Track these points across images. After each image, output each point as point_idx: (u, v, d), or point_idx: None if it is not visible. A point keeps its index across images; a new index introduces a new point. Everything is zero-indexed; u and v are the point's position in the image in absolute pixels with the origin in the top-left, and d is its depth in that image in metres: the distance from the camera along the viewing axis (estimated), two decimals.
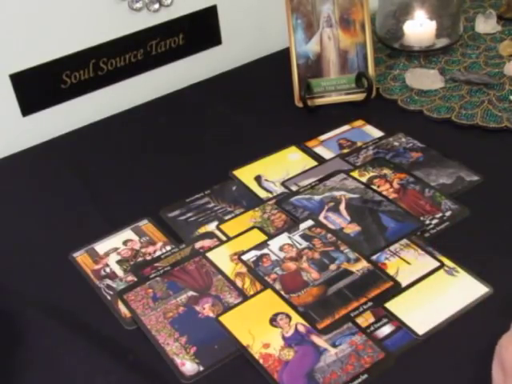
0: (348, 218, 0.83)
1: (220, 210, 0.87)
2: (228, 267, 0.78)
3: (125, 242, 0.83)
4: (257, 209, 0.86)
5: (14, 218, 0.90)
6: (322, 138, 0.99)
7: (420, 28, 1.13)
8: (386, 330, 0.68)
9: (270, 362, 0.66)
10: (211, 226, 0.84)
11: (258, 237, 0.81)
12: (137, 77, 1.12)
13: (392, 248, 0.78)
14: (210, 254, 0.80)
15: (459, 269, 0.74)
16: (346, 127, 1.01)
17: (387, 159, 0.92)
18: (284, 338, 0.68)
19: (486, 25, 1.20)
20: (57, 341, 0.71)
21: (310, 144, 0.98)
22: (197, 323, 0.71)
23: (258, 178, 0.92)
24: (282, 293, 0.73)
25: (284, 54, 1.08)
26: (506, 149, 0.93)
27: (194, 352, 0.68)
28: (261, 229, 0.83)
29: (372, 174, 0.90)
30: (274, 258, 0.78)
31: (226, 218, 0.85)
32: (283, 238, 0.81)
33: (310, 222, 0.83)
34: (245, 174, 0.93)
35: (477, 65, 1.11)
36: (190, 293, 0.75)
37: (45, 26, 1.00)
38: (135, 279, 0.77)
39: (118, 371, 0.67)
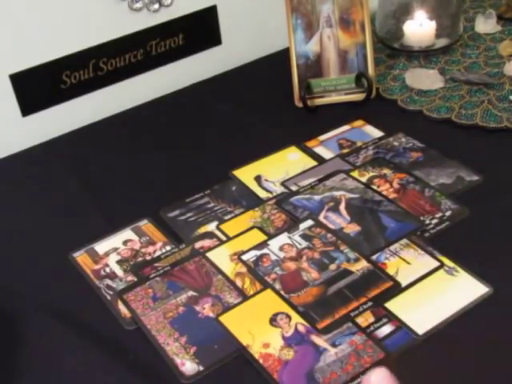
0: (348, 218, 0.83)
1: (220, 210, 0.87)
2: (228, 267, 0.78)
3: (125, 242, 0.83)
4: (257, 209, 0.86)
5: (14, 217, 0.90)
6: (322, 137, 0.99)
7: (420, 28, 1.13)
8: (385, 329, 0.68)
9: (270, 361, 0.66)
10: (211, 226, 0.84)
11: (257, 237, 0.81)
12: (137, 77, 1.12)
13: (392, 248, 0.78)
14: (209, 254, 0.79)
15: (459, 269, 0.74)
16: (345, 127, 1.01)
17: (387, 159, 0.92)
18: (284, 337, 0.68)
19: (485, 25, 1.20)
20: (57, 341, 0.71)
21: (309, 144, 0.98)
22: (197, 323, 0.71)
23: (257, 178, 0.92)
24: (282, 293, 0.73)
25: (284, 54, 1.08)
26: (505, 149, 0.93)
27: (193, 352, 0.68)
28: (261, 229, 0.83)
29: (372, 173, 0.90)
30: (273, 257, 0.78)
31: (226, 217, 0.85)
32: (283, 238, 0.81)
33: (309, 222, 0.83)
34: (245, 174, 0.92)
35: (477, 65, 1.11)
36: (190, 293, 0.75)
37: (45, 25, 1.00)
38: (135, 279, 0.77)
39: (118, 371, 0.67)
